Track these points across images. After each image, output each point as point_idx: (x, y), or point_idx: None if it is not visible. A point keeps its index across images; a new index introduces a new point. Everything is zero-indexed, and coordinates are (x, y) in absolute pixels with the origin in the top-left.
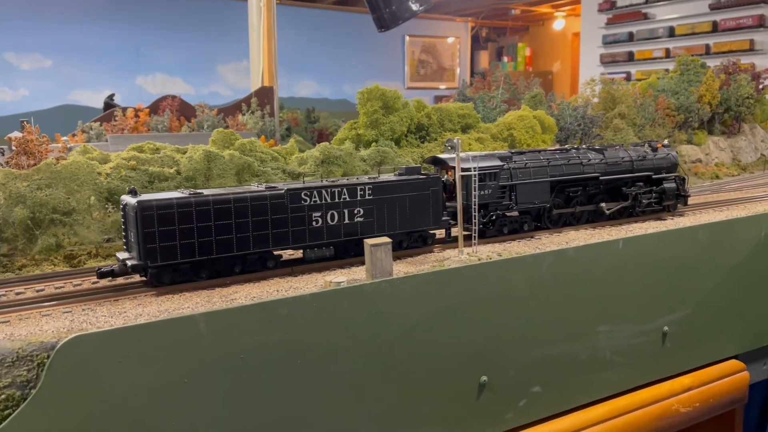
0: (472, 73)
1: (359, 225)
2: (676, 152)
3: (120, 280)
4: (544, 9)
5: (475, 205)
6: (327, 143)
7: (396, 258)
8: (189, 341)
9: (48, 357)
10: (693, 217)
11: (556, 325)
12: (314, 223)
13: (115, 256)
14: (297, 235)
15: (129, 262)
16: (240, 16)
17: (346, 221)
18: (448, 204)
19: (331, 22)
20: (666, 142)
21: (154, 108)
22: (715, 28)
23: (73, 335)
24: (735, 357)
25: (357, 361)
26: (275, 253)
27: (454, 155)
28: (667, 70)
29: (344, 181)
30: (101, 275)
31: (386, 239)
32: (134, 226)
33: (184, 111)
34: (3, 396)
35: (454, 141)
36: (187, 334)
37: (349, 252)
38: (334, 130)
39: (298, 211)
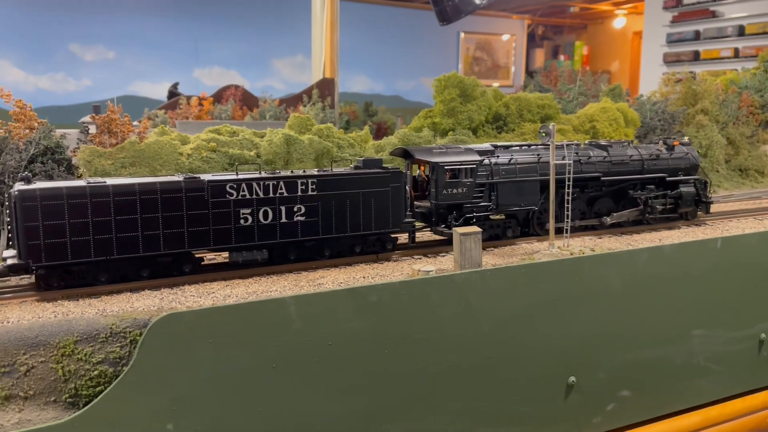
0: (528, 71)
1: (300, 225)
2: (698, 152)
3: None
4: (604, 7)
5: (567, 201)
6: (405, 130)
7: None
8: (278, 324)
9: (140, 334)
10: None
11: (648, 326)
12: (242, 221)
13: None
14: (220, 234)
15: (9, 261)
16: (298, 11)
17: (284, 220)
18: (417, 203)
19: (385, 19)
20: (686, 139)
21: (218, 97)
22: None
23: (166, 313)
24: None
25: (445, 353)
26: (196, 255)
27: (432, 147)
28: (736, 70)
29: (283, 173)
30: None
31: (476, 228)
32: (14, 219)
33: (247, 101)
34: (96, 372)
35: (549, 127)
36: (277, 317)
37: (287, 256)
38: (392, 124)
39: (222, 206)
